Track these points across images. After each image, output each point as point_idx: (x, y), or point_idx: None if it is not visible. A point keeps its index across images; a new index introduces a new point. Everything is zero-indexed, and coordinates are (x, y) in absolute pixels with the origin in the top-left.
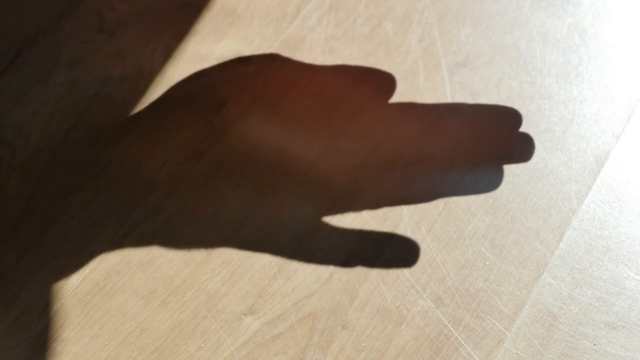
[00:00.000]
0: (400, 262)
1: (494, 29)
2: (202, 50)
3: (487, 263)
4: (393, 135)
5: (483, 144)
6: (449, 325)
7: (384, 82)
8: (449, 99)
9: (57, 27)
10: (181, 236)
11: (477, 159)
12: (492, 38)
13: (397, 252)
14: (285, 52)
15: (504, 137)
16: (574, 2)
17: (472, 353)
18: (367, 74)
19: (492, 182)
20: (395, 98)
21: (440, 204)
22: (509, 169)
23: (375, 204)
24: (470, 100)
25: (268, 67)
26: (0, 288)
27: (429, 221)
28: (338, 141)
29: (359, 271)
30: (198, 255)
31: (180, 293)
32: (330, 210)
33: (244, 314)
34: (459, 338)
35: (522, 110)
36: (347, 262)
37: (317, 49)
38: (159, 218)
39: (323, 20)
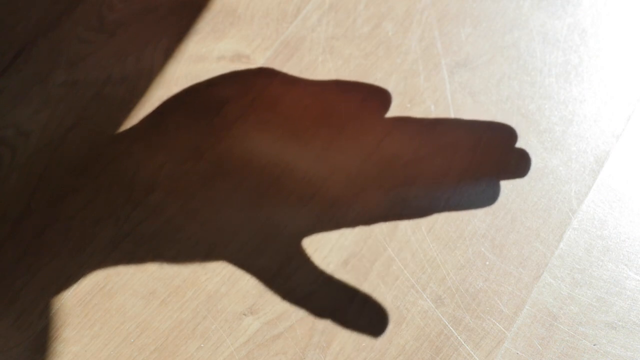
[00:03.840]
0: (400, 261)
1: (494, 29)
2: (202, 50)
3: (487, 263)
4: (391, 137)
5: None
6: (449, 325)
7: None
8: (449, 99)
9: (57, 27)
10: (181, 236)
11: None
12: (492, 38)
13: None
14: (285, 52)
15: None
16: (574, 2)
17: (472, 353)
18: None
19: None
20: (395, 98)
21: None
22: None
23: (374, 204)
24: (470, 100)
25: (267, 67)
26: (0, 288)
27: (429, 221)
28: (337, 141)
29: (359, 271)
30: (198, 255)
31: (180, 293)
32: (329, 209)
33: (244, 314)
34: (459, 338)
35: (522, 110)
36: (347, 262)
37: (317, 49)
38: (159, 218)
39: (323, 20)
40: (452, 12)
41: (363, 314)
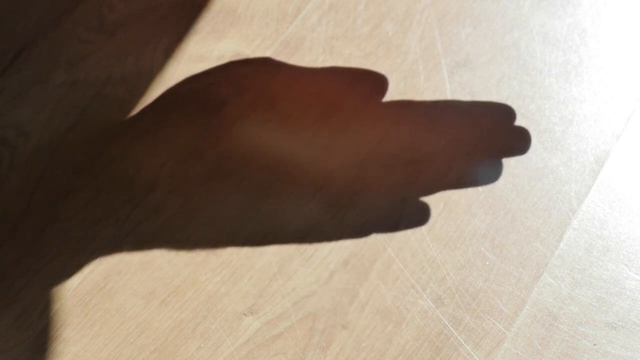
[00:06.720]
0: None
1: (494, 29)
2: (202, 50)
3: (487, 263)
4: (393, 134)
5: (481, 139)
6: (449, 325)
7: (376, 82)
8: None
9: (57, 27)
10: (181, 236)
11: (476, 154)
12: (492, 38)
13: (398, 250)
14: (285, 52)
15: (501, 132)
16: (574, 2)
17: (472, 353)
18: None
19: (491, 175)
20: (396, 98)
21: (440, 204)
22: (509, 169)
23: (375, 203)
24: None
25: (267, 67)
26: (0, 288)
27: (429, 221)
28: (338, 140)
29: (359, 271)
30: (198, 255)
31: (180, 293)
32: (330, 209)
33: (244, 314)
34: (459, 338)
35: (522, 110)
36: (347, 262)
37: (317, 49)
38: (159, 218)
39: (323, 20)
40: (452, 12)
41: (364, 314)
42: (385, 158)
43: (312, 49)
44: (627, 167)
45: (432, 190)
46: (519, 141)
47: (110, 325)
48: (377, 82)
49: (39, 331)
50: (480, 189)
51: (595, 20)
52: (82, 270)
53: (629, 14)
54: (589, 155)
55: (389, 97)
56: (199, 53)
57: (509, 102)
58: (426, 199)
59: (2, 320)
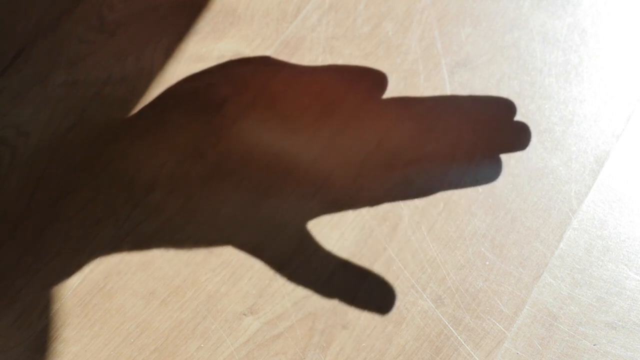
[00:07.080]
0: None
1: (494, 29)
2: (202, 50)
3: (487, 263)
4: (393, 133)
5: (481, 136)
6: (449, 325)
7: (376, 79)
8: None
9: (57, 27)
10: (181, 236)
11: (476, 151)
12: (492, 38)
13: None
14: (285, 52)
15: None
16: (574, 2)
17: (472, 353)
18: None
19: (491, 173)
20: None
21: (440, 204)
22: (509, 169)
23: (375, 202)
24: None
25: (267, 66)
26: (0, 288)
27: (429, 221)
28: (338, 140)
29: (359, 271)
30: (198, 255)
31: (180, 293)
32: (330, 209)
33: (244, 314)
34: (459, 338)
35: (522, 110)
36: (346, 262)
37: (317, 49)
38: (159, 218)
39: (323, 20)
40: (452, 12)
41: (364, 314)
42: (385, 158)
43: (312, 49)
44: (627, 167)
45: (432, 190)
46: (519, 136)
47: (110, 325)
48: (377, 79)
49: (39, 331)
50: (480, 189)
51: (595, 20)
52: (82, 270)
53: (629, 14)
54: (589, 155)
55: (388, 97)
56: (199, 53)
57: None
58: (426, 199)
59: (2, 320)
